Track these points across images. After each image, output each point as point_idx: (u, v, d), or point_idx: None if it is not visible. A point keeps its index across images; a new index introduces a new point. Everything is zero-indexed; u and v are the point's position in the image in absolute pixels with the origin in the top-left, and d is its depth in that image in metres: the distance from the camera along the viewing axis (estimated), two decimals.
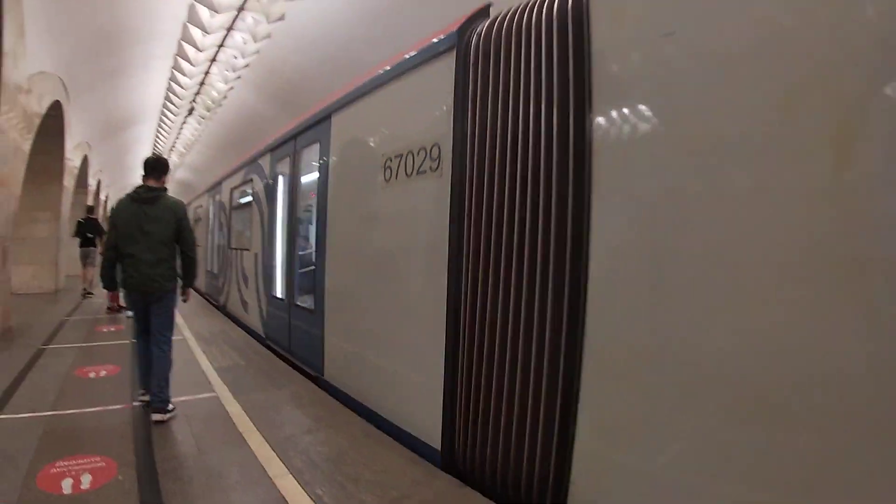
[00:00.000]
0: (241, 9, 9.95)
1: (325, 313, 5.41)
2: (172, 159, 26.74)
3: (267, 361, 6.43)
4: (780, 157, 1.90)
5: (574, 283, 2.62)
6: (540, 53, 2.84)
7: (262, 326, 7.83)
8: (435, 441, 3.56)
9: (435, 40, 3.75)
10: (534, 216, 2.82)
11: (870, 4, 1.71)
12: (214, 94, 14.61)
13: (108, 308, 10.07)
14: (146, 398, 4.50)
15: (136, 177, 33.64)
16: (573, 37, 2.67)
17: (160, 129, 20.55)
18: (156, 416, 4.24)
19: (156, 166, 4.55)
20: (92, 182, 19.84)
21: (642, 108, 2.37)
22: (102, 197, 25.52)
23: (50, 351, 6.73)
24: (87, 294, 12.69)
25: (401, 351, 4.11)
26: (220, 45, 11.72)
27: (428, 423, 3.63)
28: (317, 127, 5.78)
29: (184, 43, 11.63)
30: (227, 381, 5.50)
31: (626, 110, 2.44)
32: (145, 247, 4.27)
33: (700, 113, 2.17)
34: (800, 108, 1.84)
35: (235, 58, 12.42)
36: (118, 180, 29.96)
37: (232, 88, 13.83)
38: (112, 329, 8.38)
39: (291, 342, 6.51)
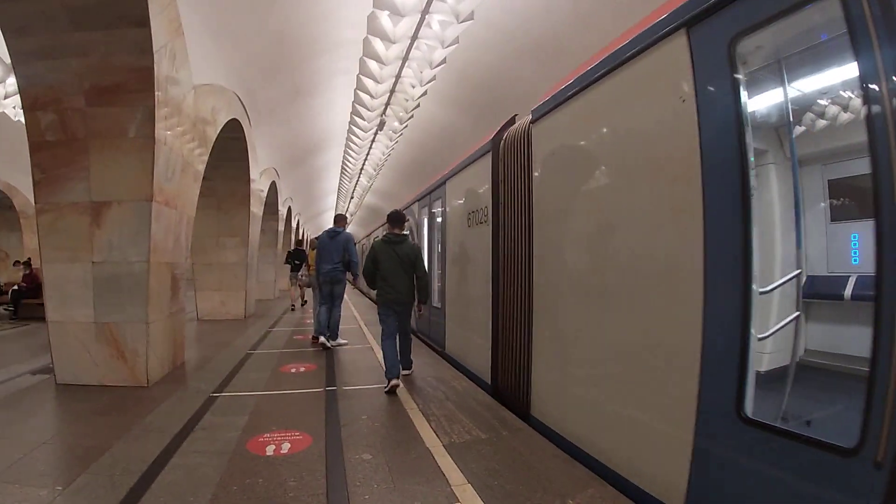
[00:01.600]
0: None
1: (445, 308, 8.51)
2: (361, 182, 27.11)
3: (517, 437, 4.47)
4: (639, 202, 3.42)
5: (530, 286, 5.06)
6: (517, 152, 5.57)
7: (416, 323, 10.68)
8: (486, 377, 6.44)
9: (482, 144, 6.68)
10: (518, 248, 5.43)
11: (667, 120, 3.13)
12: (406, 102, 13.56)
13: (313, 339, 9.27)
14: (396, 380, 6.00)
15: (325, 205, 35.48)
16: (525, 144, 5.29)
17: (348, 151, 20.32)
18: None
19: (398, 217, 6.63)
20: (283, 209, 20.32)
21: (553, 176, 4.73)
22: (293, 223, 26.56)
23: (221, 403, 5.48)
24: (293, 308, 15.72)
25: (473, 325, 7.05)
26: (410, 44, 10.53)
27: (483, 368, 6.55)
28: (439, 189, 9.08)
29: (371, 39, 10.60)
30: (473, 476, 3.66)
31: (544, 180, 4.87)
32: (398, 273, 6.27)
33: (583, 179, 4.16)
34: (642, 176, 3.41)
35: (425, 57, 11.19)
36: (307, 208, 31.37)
37: (425, 93, 12.63)
38: (302, 369, 7.06)
39: (430, 330, 9.73)
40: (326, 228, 8.92)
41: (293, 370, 6.99)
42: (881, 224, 1.98)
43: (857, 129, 2.24)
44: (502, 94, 10.97)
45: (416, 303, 6.43)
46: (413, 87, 12.10)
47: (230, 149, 11.55)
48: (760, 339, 2.70)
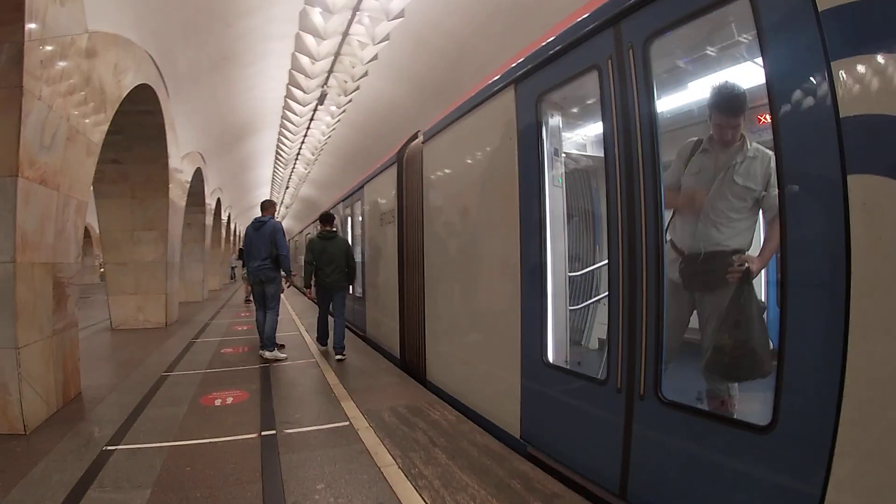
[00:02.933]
0: None
1: (365, 296, 9.80)
2: (298, 169, 25.05)
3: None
4: (486, 212, 4.60)
5: (423, 275, 6.10)
6: (414, 165, 6.52)
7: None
8: (397, 353, 7.39)
9: (390, 156, 7.77)
10: (415, 244, 6.42)
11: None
12: (353, 68, 11.83)
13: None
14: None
15: (258, 197, 33.00)
16: (419, 159, 6.25)
17: (284, 133, 18.29)
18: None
19: (328, 217, 7.97)
20: (210, 201, 18.21)
21: (436, 186, 5.84)
22: (223, 217, 24.25)
23: (115, 464, 3.75)
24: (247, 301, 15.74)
25: (386, 310, 8.05)
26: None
27: (395, 345, 7.52)
28: (359, 191, 10.11)
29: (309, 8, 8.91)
30: None
31: (431, 188, 5.97)
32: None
33: (454, 190, 5.28)
34: (488, 192, 4.52)
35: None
36: (239, 201, 29.00)
37: (375, 58, 10.96)
38: (229, 400, 5.33)
39: (354, 317, 10.61)
40: (253, 219, 7.77)
41: (217, 401, 5.30)
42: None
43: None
44: (464, 65, 9.57)
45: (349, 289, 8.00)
46: (363, 46, 10.42)
47: (144, 125, 9.66)
48: (572, 309, 4.25)
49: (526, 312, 3.81)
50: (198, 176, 14.82)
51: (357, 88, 12.51)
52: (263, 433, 4.31)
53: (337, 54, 10.81)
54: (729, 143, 3.01)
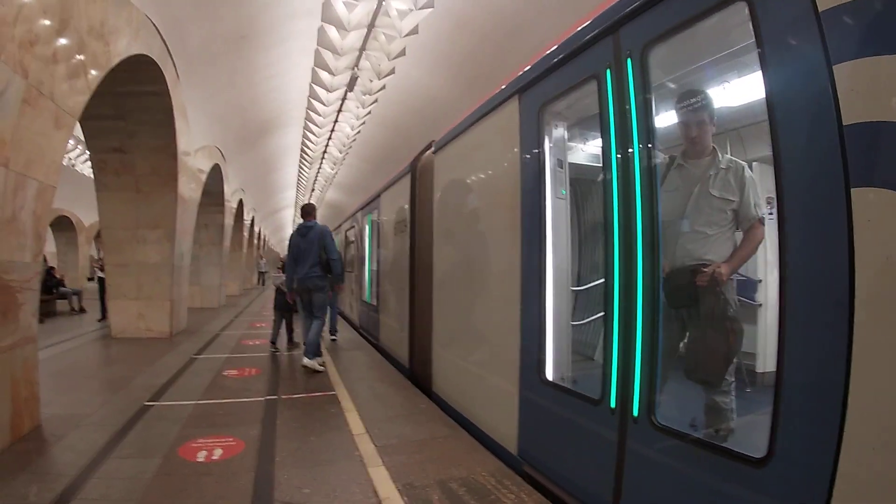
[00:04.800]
0: None
1: (379, 305, 9.60)
2: (324, 170, 23.96)
3: None
4: (489, 224, 4.52)
5: (431, 286, 5.98)
6: (427, 175, 6.38)
7: (357, 318, 12.46)
8: (406, 363, 7.22)
9: (404, 167, 7.65)
10: (425, 255, 6.27)
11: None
12: (381, 57, 10.77)
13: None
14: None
15: (283, 201, 32.12)
16: (431, 169, 6.15)
17: (310, 127, 17.04)
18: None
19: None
20: (231, 202, 17.18)
21: (446, 197, 5.71)
22: (247, 220, 23.24)
23: None
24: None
25: (397, 319, 7.97)
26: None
27: (404, 355, 7.36)
28: (376, 200, 9.98)
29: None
30: None
31: (441, 199, 5.84)
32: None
33: (462, 201, 5.15)
34: (494, 203, 4.35)
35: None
36: (263, 204, 28.08)
37: (403, 53, 9.90)
38: (218, 452, 4.00)
39: (369, 325, 10.70)
40: (298, 225, 7.53)
41: (201, 455, 3.93)
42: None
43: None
44: (515, 46, 8.29)
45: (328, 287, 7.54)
46: (402, 16, 9.27)
47: (150, 108, 8.54)
48: (574, 325, 4.20)
49: (525, 326, 3.73)
50: (216, 173, 13.72)
51: (392, 72, 11.28)
52: None
53: (371, 26, 9.58)
54: (700, 154, 3.00)
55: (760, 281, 5.32)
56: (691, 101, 2.95)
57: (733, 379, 2.90)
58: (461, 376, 5.16)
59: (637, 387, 2.64)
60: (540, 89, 3.62)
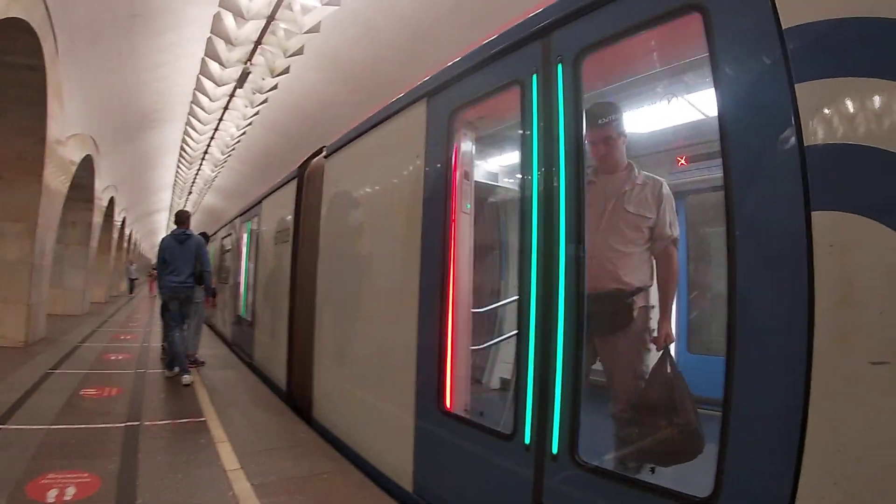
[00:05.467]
0: None
1: (255, 321, 8.80)
2: (203, 171, 22.45)
3: None
4: (385, 237, 4.20)
5: (313, 295, 5.52)
6: (315, 182, 5.91)
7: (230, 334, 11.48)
8: (283, 385, 6.62)
9: (291, 172, 7.04)
10: (308, 268, 5.79)
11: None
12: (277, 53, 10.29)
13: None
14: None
15: (157, 203, 29.83)
16: (320, 175, 5.64)
17: (193, 124, 15.65)
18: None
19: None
20: (102, 198, 15.65)
21: (335, 206, 5.30)
22: (118, 221, 21.24)
23: None
24: None
25: (275, 337, 7.33)
26: None
27: (281, 376, 6.72)
28: (257, 206, 9.40)
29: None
30: None
31: (330, 208, 5.40)
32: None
33: (353, 211, 4.90)
34: (392, 214, 4.03)
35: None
36: (136, 205, 25.96)
37: (301, 52, 9.52)
38: (70, 492, 3.38)
39: (243, 342, 9.83)
40: (172, 230, 7.44)
41: (52, 494, 3.32)
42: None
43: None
44: (419, 57, 8.26)
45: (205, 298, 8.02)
46: (305, 12, 8.87)
47: (22, 83, 7.58)
48: (474, 349, 3.77)
49: (422, 349, 3.41)
50: (87, 165, 12.40)
51: (286, 71, 10.81)
52: None
53: (271, 18, 9.11)
54: (612, 169, 2.92)
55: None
56: (600, 116, 2.84)
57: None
58: (347, 403, 4.72)
59: (557, 420, 2.39)
60: (452, 93, 3.37)
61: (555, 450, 2.38)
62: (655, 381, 2.69)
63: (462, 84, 3.29)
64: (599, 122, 2.84)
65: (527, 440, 2.52)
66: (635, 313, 2.75)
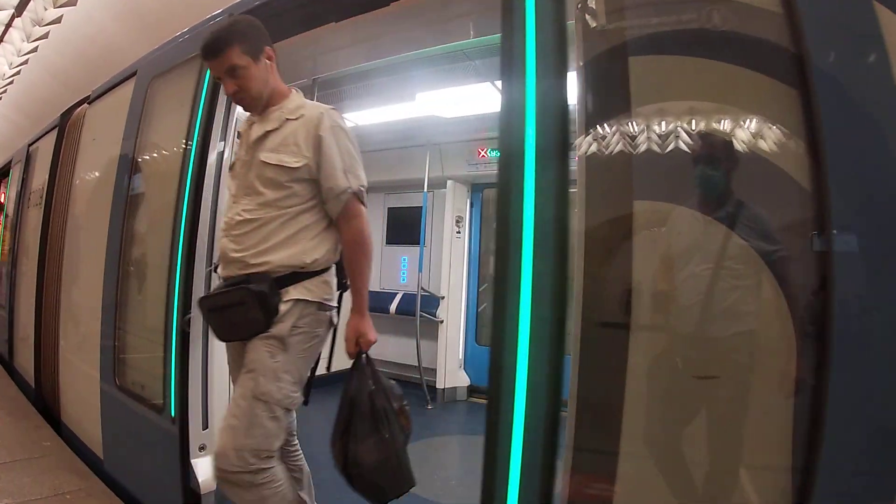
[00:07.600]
0: None
1: (10, 301, 6.67)
2: None
3: None
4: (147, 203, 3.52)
5: (60, 277, 4.63)
6: (76, 132, 4.98)
7: None
8: (31, 380, 5.36)
9: (51, 121, 5.82)
10: (58, 239, 4.82)
11: None
12: None
13: None
14: None
15: None
16: (82, 125, 4.80)
17: None
18: None
19: None
20: None
21: (93, 167, 4.33)
22: None
23: None
24: None
25: (18, 315, 6.23)
26: None
27: (30, 371, 5.38)
28: (6, 166, 8.41)
29: None
30: None
31: (84, 169, 4.53)
32: None
33: (115, 171, 3.72)
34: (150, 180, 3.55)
35: None
36: None
37: None
38: None
39: None
40: None
41: None
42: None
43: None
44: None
45: None
46: None
47: None
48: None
49: (105, 325, 3.44)
50: None
51: (73, 2, 9.19)
52: None
53: None
54: (256, 107, 2.11)
55: (443, 297, 5.32)
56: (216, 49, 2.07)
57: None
58: (91, 402, 3.84)
59: None
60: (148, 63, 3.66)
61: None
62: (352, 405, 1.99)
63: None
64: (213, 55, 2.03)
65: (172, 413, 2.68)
66: (284, 307, 1.95)
